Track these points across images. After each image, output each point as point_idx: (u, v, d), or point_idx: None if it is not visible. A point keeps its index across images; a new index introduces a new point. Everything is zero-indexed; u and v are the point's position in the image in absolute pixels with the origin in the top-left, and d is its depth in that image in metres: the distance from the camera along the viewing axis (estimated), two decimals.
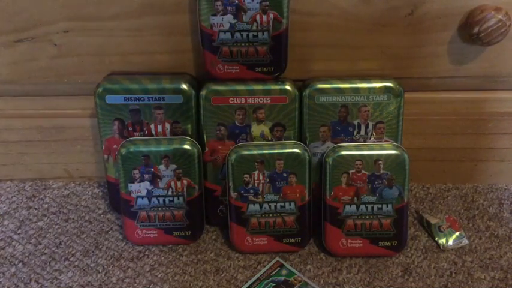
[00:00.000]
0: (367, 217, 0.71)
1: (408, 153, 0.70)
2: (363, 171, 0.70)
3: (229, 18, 0.65)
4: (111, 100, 0.71)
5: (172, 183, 0.72)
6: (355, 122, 0.71)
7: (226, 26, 0.66)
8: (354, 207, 0.71)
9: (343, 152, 0.70)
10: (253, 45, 0.67)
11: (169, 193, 0.72)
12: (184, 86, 0.70)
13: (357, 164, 0.70)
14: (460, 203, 0.81)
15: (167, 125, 0.72)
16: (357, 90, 0.70)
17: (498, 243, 0.75)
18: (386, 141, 0.72)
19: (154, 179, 0.71)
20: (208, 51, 0.68)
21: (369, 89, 0.70)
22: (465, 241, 0.75)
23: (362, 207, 0.71)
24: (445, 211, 0.80)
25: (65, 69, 0.74)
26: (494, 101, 0.76)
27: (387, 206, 0.70)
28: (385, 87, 0.70)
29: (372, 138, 0.72)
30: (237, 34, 0.66)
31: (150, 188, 0.72)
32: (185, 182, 0.72)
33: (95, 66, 0.73)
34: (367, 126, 0.72)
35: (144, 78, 0.71)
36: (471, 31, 0.66)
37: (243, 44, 0.67)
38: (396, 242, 0.72)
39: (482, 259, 0.73)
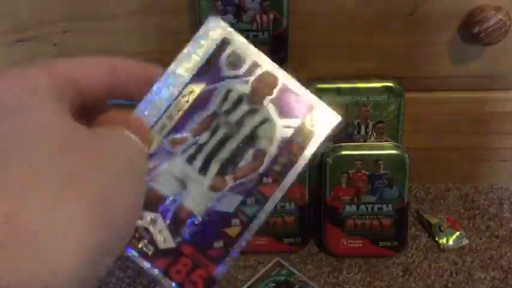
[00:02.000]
0: (367, 217, 0.71)
1: (408, 153, 0.69)
2: (363, 171, 0.69)
3: (229, 18, 0.65)
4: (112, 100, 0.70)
5: None
6: (355, 122, 0.71)
7: None
8: (354, 207, 0.71)
9: (343, 152, 0.70)
10: (254, 45, 0.66)
11: None
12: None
13: (357, 164, 0.69)
14: (460, 203, 0.81)
15: None
16: (356, 90, 0.70)
17: (498, 243, 0.75)
18: (386, 141, 0.71)
19: None
20: None
21: (369, 88, 0.70)
22: (465, 241, 0.75)
23: (362, 207, 0.70)
24: (445, 211, 0.80)
25: None
26: (495, 100, 0.75)
27: (387, 206, 0.70)
28: (385, 87, 0.70)
29: (372, 138, 0.72)
30: None
31: None
32: None
33: None
34: (367, 126, 0.71)
35: None
36: (471, 31, 0.66)
37: None
38: (396, 242, 0.72)
39: (482, 259, 0.73)
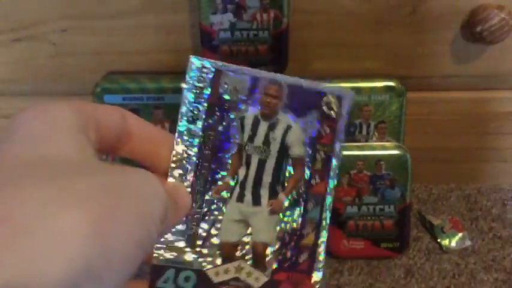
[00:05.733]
0: (368, 218, 0.70)
1: (410, 154, 0.69)
2: (365, 172, 0.68)
3: (228, 16, 0.64)
4: (110, 100, 0.70)
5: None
6: (357, 122, 0.70)
7: (226, 25, 0.65)
8: (355, 208, 0.70)
9: (345, 152, 0.68)
10: (254, 44, 0.66)
11: None
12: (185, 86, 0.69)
13: (358, 165, 0.68)
14: (463, 204, 0.80)
15: (166, 125, 0.71)
16: (358, 90, 0.69)
17: (501, 245, 0.75)
18: (388, 141, 0.71)
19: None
20: (207, 50, 0.67)
21: (371, 88, 0.69)
22: (468, 242, 0.74)
23: (364, 208, 0.70)
24: (447, 212, 0.79)
25: (63, 69, 0.73)
26: (498, 100, 0.75)
27: (389, 207, 0.69)
28: (387, 86, 0.69)
29: (373, 138, 0.71)
30: (237, 33, 0.65)
31: None
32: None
33: (93, 65, 0.72)
34: (368, 126, 0.71)
35: (143, 77, 0.70)
36: (474, 30, 0.65)
37: (242, 43, 0.66)
38: (398, 244, 0.71)
39: (485, 260, 0.73)
